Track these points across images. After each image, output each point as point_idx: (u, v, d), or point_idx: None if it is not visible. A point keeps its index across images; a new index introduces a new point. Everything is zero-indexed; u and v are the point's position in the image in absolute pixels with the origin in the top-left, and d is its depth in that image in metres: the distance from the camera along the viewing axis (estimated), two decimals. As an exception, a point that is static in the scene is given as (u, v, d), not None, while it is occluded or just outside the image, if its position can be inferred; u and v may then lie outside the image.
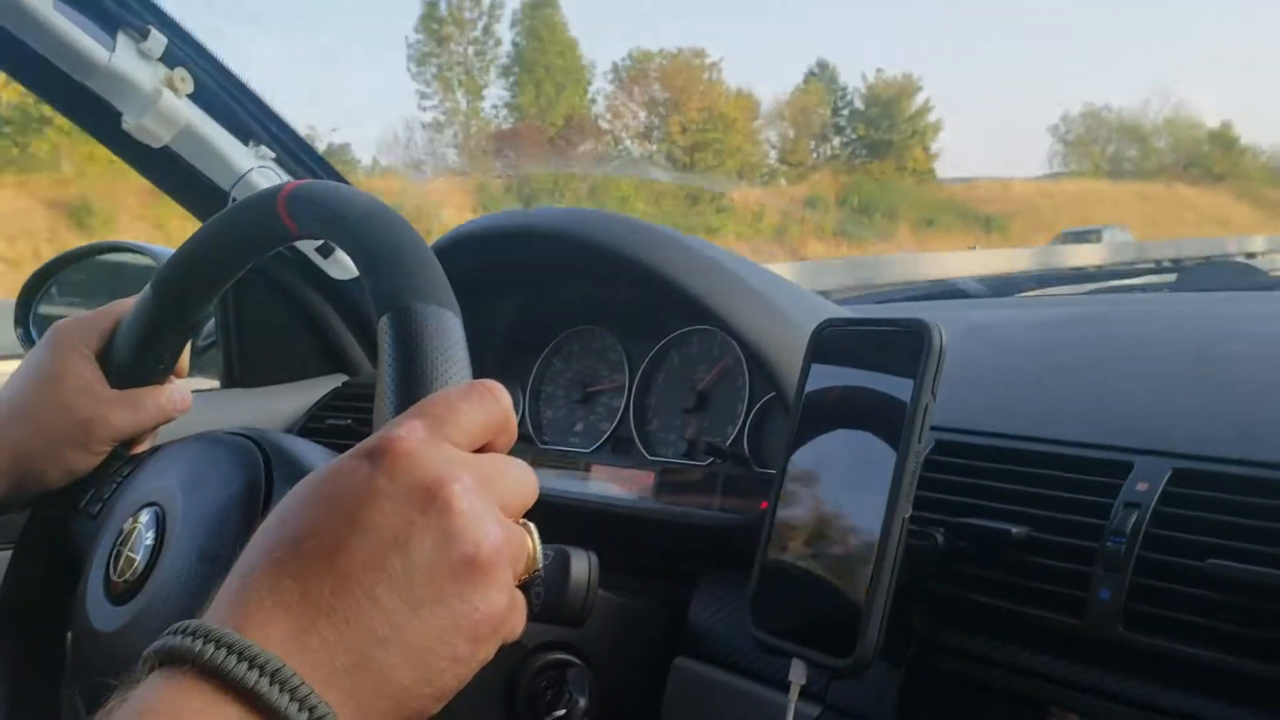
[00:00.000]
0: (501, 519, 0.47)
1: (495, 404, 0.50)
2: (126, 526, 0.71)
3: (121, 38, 1.04)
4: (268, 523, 0.45)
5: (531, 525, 0.50)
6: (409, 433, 0.46)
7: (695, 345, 1.00)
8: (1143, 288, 1.41)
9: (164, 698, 0.40)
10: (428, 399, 0.49)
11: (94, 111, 1.09)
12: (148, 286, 0.78)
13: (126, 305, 0.81)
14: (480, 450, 0.50)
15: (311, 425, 1.31)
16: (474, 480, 0.46)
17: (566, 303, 1.10)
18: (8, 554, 0.86)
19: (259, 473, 0.69)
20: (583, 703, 0.73)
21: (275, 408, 1.36)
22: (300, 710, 0.39)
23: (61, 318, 1.29)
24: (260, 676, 0.39)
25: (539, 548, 0.51)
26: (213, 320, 1.45)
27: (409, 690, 0.43)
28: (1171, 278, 1.33)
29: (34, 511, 0.83)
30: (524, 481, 0.50)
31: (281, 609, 0.42)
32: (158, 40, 1.06)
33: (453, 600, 0.44)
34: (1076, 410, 0.74)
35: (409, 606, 0.43)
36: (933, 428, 0.71)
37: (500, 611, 0.45)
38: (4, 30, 1.00)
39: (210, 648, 0.40)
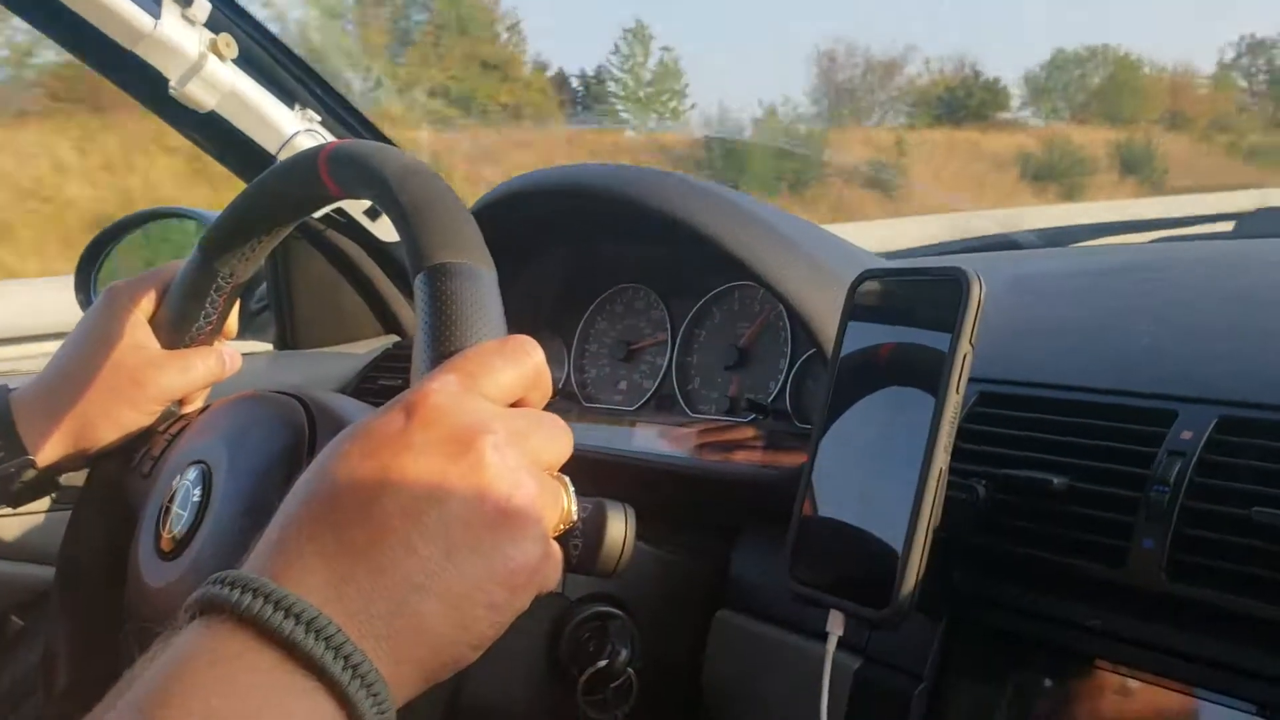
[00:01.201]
0: (535, 471, 0.47)
1: (528, 359, 0.50)
2: (175, 484, 0.73)
3: (167, 4, 1.05)
4: (306, 475, 0.46)
5: (566, 479, 0.51)
6: (442, 386, 0.47)
7: (737, 302, 1.00)
8: (1200, 236, 1.38)
9: (203, 645, 0.40)
10: (461, 354, 0.50)
11: (141, 78, 1.11)
12: (195, 248, 0.79)
13: (176, 267, 0.82)
14: (515, 405, 0.50)
15: (364, 386, 1.33)
16: (507, 433, 0.46)
17: (610, 261, 1.10)
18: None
19: (302, 429, 0.70)
20: (624, 654, 0.73)
21: (327, 369, 1.38)
22: (336, 658, 0.40)
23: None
24: (296, 625, 0.40)
25: (574, 501, 0.51)
26: (265, 284, 1.47)
27: (445, 637, 0.43)
28: (1230, 226, 1.29)
29: (91, 470, 0.85)
30: (558, 437, 0.50)
31: (319, 558, 0.42)
32: (202, 6, 1.07)
33: (488, 549, 0.44)
34: (1121, 359, 0.72)
35: (444, 554, 0.43)
36: (975, 379, 0.70)
37: (535, 561, 0.46)
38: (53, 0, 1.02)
39: (248, 597, 0.40)
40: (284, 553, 0.43)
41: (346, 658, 0.40)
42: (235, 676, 0.39)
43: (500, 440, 0.46)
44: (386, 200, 0.62)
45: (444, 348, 0.53)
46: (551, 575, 0.48)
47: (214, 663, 0.40)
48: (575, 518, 0.51)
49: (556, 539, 0.51)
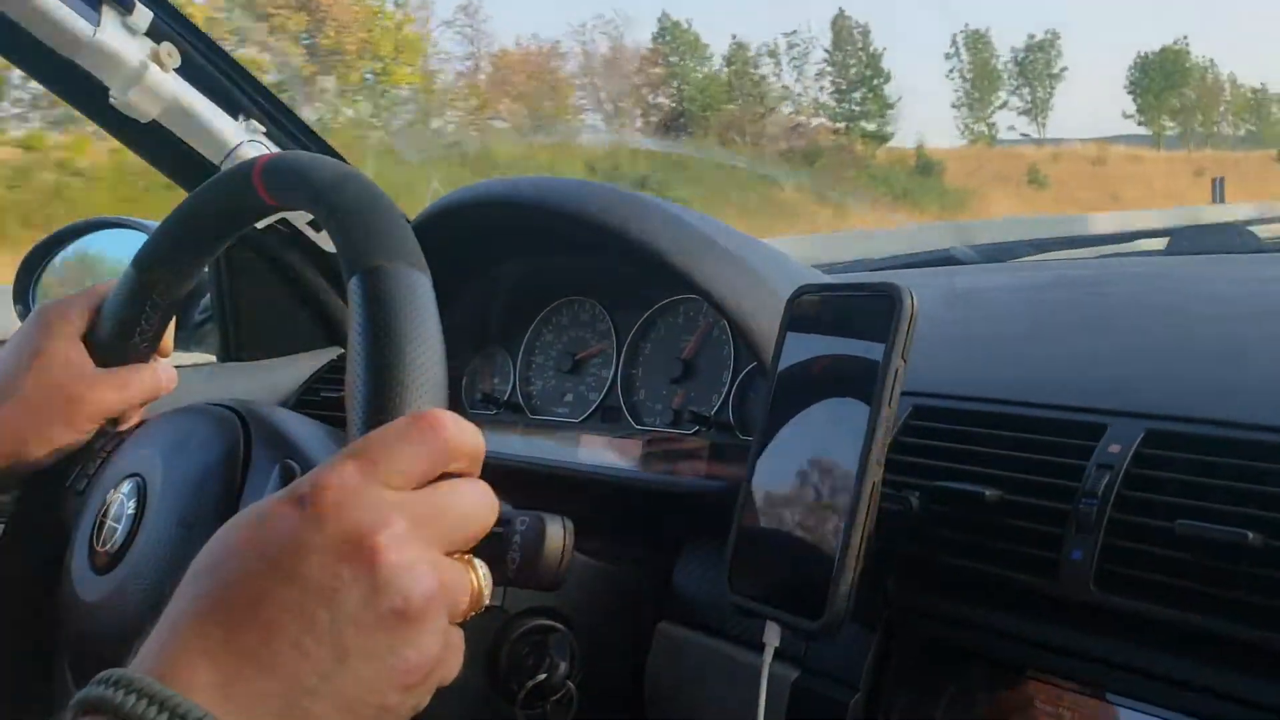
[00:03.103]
0: (439, 561, 0.46)
1: (436, 438, 0.48)
2: (109, 498, 0.72)
3: (106, 12, 1.03)
4: (198, 566, 0.45)
5: (475, 560, 0.49)
6: (339, 479, 0.45)
7: (681, 315, 1.00)
8: (1136, 252, 1.40)
9: None
10: (364, 440, 0.48)
11: (81, 87, 1.09)
12: (130, 264, 0.78)
13: (111, 285, 0.81)
14: (439, 479, 0.48)
15: (306, 398, 1.32)
16: (408, 524, 0.45)
17: (556, 273, 1.09)
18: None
19: (237, 440, 0.69)
20: (563, 666, 0.73)
21: (271, 381, 1.36)
22: None
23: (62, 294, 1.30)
24: None
25: (487, 582, 0.49)
26: (208, 295, 1.45)
27: None
28: (1164, 242, 1.32)
29: (24, 490, 0.84)
30: (473, 510, 0.49)
31: (206, 657, 0.41)
32: (143, 14, 1.06)
33: (381, 652, 0.43)
34: (1054, 373, 0.73)
35: (336, 657, 0.42)
36: (911, 392, 0.71)
37: (432, 658, 0.45)
38: (-12, 6, 1.00)
39: (131, 698, 0.39)
40: (171, 652, 0.42)
41: None
42: None
43: (399, 534, 0.44)
44: (320, 207, 0.62)
45: (381, 356, 0.53)
46: (453, 667, 0.47)
47: None
48: (488, 600, 0.50)
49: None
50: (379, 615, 0.43)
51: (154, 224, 1.33)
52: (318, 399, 1.28)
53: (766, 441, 0.67)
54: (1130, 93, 49.45)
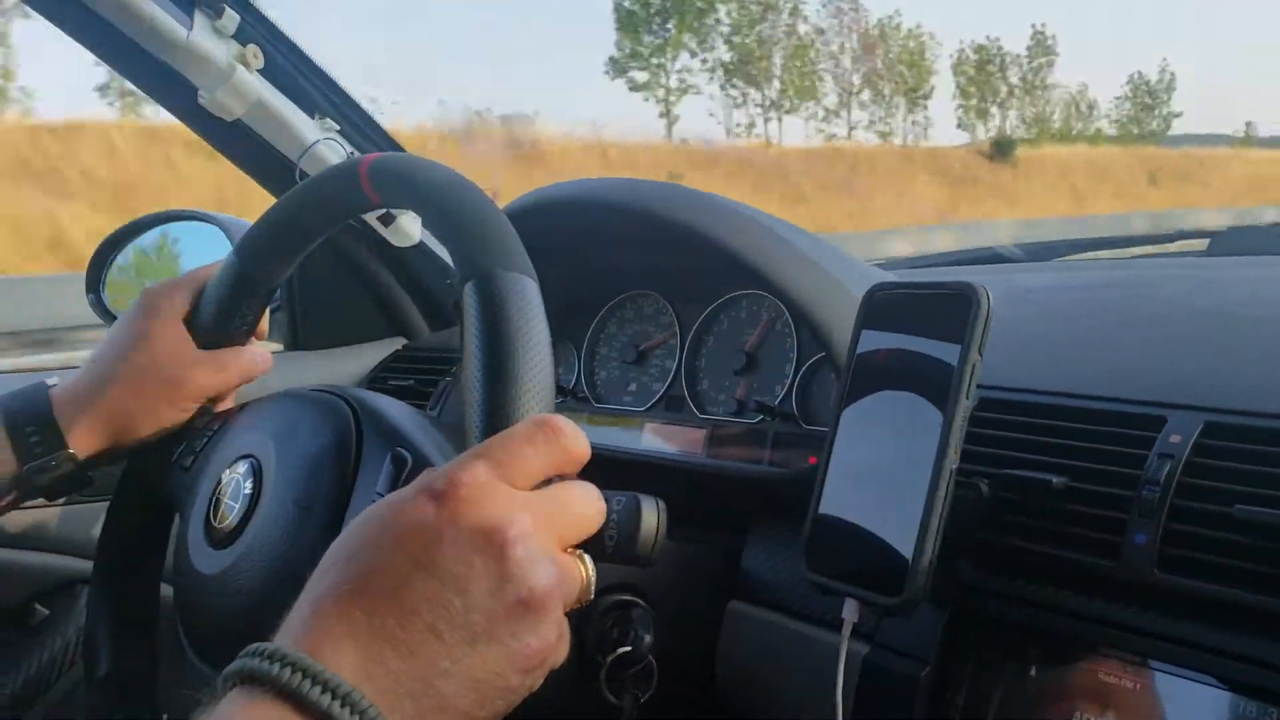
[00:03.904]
0: (557, 556, 0.50)
1: (557, 442, 0.52)
2: (224, 477, 0.76)
3: (199, 15, 1.08)
4: (336, 554, 0.48)
5: (585, 556, 0.53)
6: (472, 478, 0.49)
7: (744, 309, 1.03)
8: (1177, 253, 1.43)
9: (241, 715, 0.43)
10: (493, 440, 0.52)
11: (172, 87, 1.14)
12: (231, 252, 0.83)
13: (210, 271, 0.85)
14: (550, 479, 0.52)
15: (373, 386, 1.36)
16: (532, 521, 0.49)
17: (620, 268, 1.13)
18: (99, 506, 0.91)
19: (348, 426, 0.73)
20: (647, 638, 0.77)
21: (337, 369, 1.41)
22: None
23: (132, 283, 1.35)
24: (333, 700, 0.42)
25: (592, 577, 0.53)
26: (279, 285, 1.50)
27: (466, 715, 0.46)
28: (1204, 243, 1.35)
29: (129, 464, 0.88)
30: (585, 510, 0.53)
31: (350, 638, 0.45)
32: (231, 18, 1.10)
33: (506, 637, 0.47)
34: (1113, 368, 0.77)
35: (467, 641, 0.46)
36: (979, 385, 0.74)
37: (549, 645, 0.49)
38: (89, 9, 1.05)
39: (286, 671, 0.43)
40: (318, 631, 0.45)
41: None
42: None
43: (524, 530, 0.48)
44: (432, 211, 0.66)
45: (495, 358, 0.56)
46: (562, 654, 0.51)
47: None
48: (593, 594, 0.53)
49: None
50: (506, 604, 0.47)
51: (223, 216, 1.38)
52: (386, 387, 1.32)
53: (841, 430, 0.71)
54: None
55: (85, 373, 0.82)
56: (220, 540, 0.74)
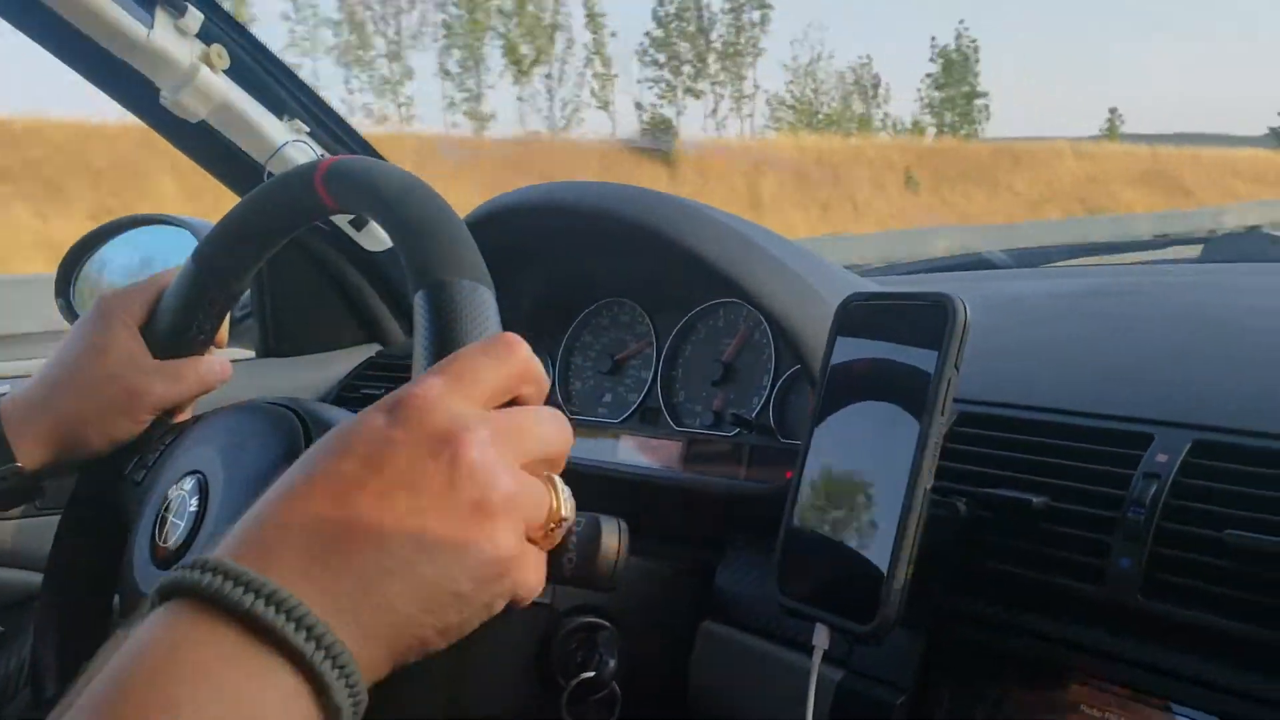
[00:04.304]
0: (518, 471, 0.47)
1: (514, 356, 0.50)
2: (171, 494, 0.73)
3: (160, 14, 1.05)
4: (285, 473, 0.47)
5: (558, 480, 0.51)
6: (426, 389, 0.47)
7: (721, 318, 1.01)
8: (1170, 260, 1.40)
9: (162, 631, 0.41)
10: (447, 358, 0.50)
11: (133, 88, 1.11)
12: (189, 258, 0.80)
13: (168, 278, 0.82)
14: (511, 404, 0.51)
15: (346, 394, 1.33)
16: (491, 433, 0.47)
17: (594, 276, 1.11)
18: (56, 519, 0.88)
19: (298, 440, 0.70)
20: (612, 663, 0.74)
21: (310, 377, 1.38)
22: (298, 629, 0.40)
23: (100, 288, 1.32)
24: (256, 599, 0.40)
25: (565, 502, 0.51)
26: (249, 291, 1.47)
27: (411, 619, 0.44)
28: (1198, 250, 1.32)
29: (80, 477, 0.85)
30: (552, 435, 0.50)
31: (287, 542, 0.43)
32: (194, 16, 1.08)
33: (459, 541, 0.45)
34: (1098, 382, 0.74)
35: (415, 542, 0.44)
36: (956, 399, 0.72)
37: (505, 556, 0.46)
38: (47, 9, 1.02)
39: (208, 576, 0.41)
40: (251, 537, 0.44)
41: (309, 629, 0.40)
42: (195, 659, 0.40)
43: (482, 438, 0.46)
44: (385, 216, 0.63)
45: (440, 353, 0.54)
46: (529, 577, 0.49)
47: (174, 647, 0.40)
48: (567, 515, 0.51)
49: (550, 552, 0.52)
50: (457, 505, 0.45)
51: (195, 220, 1.35)
52: (358, 395, 1.30)
53: (814, 445, 0.68)
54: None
55: (36, 382, 0.80)
56: (165, 560, 0.71)
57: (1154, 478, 0.62)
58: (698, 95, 40.09)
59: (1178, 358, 0.75)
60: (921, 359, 0.63)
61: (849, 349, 0.69)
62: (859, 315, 0.69)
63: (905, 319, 0.66)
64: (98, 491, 0.84)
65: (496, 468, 0.46)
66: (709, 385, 0.99)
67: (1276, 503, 0.58)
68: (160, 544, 0.72)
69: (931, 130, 43.83)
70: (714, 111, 40.72)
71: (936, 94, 44.80)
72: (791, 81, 42.46)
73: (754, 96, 41.88)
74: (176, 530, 0.71)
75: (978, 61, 44.31)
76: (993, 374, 0.79)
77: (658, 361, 1.04)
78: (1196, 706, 0.59)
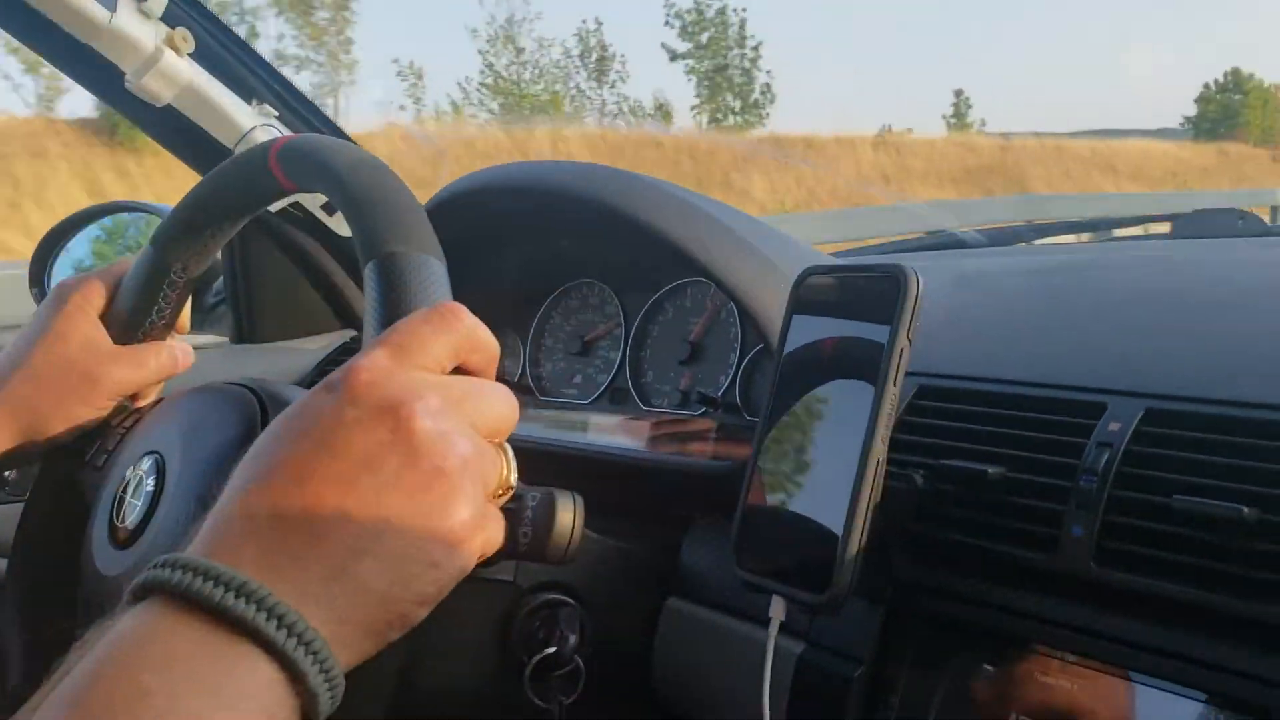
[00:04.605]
0: (471, 435, 0.48)
1: (458, 323, 0.51)
2: (129, 475, 0.73)
3: (122, -2, 1.04)
4: (243, 461, 0.47)
5: (507, 447, 0.52)
6: (370, 362, 0.47)
7: (689, 297, 1.01)
8: (1141, 237, 1.41)
9: (134, 626, 0.41)
10: (390, 329, 0.50)
11: (98, 72, 1.10)
12: (147, 243, 0.80)
13: (128, 263, 0.82)
14: (457, 372, 0.51)
15: (319, 379, 1.32)
16: (440, 400, 0.47)
17: (564, 257, 1.10)
18: (21, 507, 0.88)
19: (254, 419, 0.70)
20: (573, 640, 0.74)
21: (284, 362, 1.38)
22: (269, 619, 0.41)
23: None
24: (225, 591, 0.41)
25: (513, 470, 0.52)
26: (222, 277, 1.46)
27: (388, 595, 0.44)
28: (1168, 227, 1.32)
29: (43, 464, 0.85)
30: (500, 402, 0.51)
31: (253, 534, 0.43)
32: (158, 0, 1.07)
33: (424, 510, 0.45)
34: (1056, 354, 0.74)
35: (381, 519, 0.44)
36: (914, 373, 0.72)
37: (472, 520, 0.47)
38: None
39: (179, 573, 0.41)
40: (218, 533, 0.44)
41: (280, 618, 0.41)
42: (165, 650, 0.40)
43: (431, 405, 0.47)
44: (337, 193, 0.63)
45: (387, 323, 0.54)
46: (493, 536, 0.49)
47: (144, 640, 0.41)
48: (514, 484, 0.52)
49: (503, 509, 0.52)
50: (419, 476, 0.45)
51: (164, 206, 1.34)
52: (330, 380, 1.29)
53: (772, 422, 0.68)
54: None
55: None
56: (122, 540, 0.71)
57: (1106, 446, 0.62)
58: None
59: (1136, 329, 0.75)
60: (876, 332, 0.63)
61: (805, 324, 0.69)
62: (815, 290, 0.69)
63: (860, 292, 0.66)
64: (60, 478, 0.84)
65: (451, 433, 0.47)
66: (676, 365, 0.99)
67: (1227, 469, 0.58)
68: (118, 524, 0.72)
69: (697, 117, 32.37)
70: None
71: (698, 70, 32.04)
72: (489, 51, 30.13)
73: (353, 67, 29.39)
74: (134, 510, 0.71)
75: (745, 34, 32.16)
76: (955, 349, 0.79)
77: (626, 342, 1.04)
78: (1155, 674, 0.59)
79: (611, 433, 0.99)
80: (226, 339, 1.45)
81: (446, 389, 0.48)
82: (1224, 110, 38.55)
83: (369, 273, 0.57)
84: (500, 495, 0.51)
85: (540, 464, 0.53)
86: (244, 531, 0.44)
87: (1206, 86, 39.21)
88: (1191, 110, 40.16)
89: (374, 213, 0.59)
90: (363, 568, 0.44)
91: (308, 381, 1.33)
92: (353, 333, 1.46)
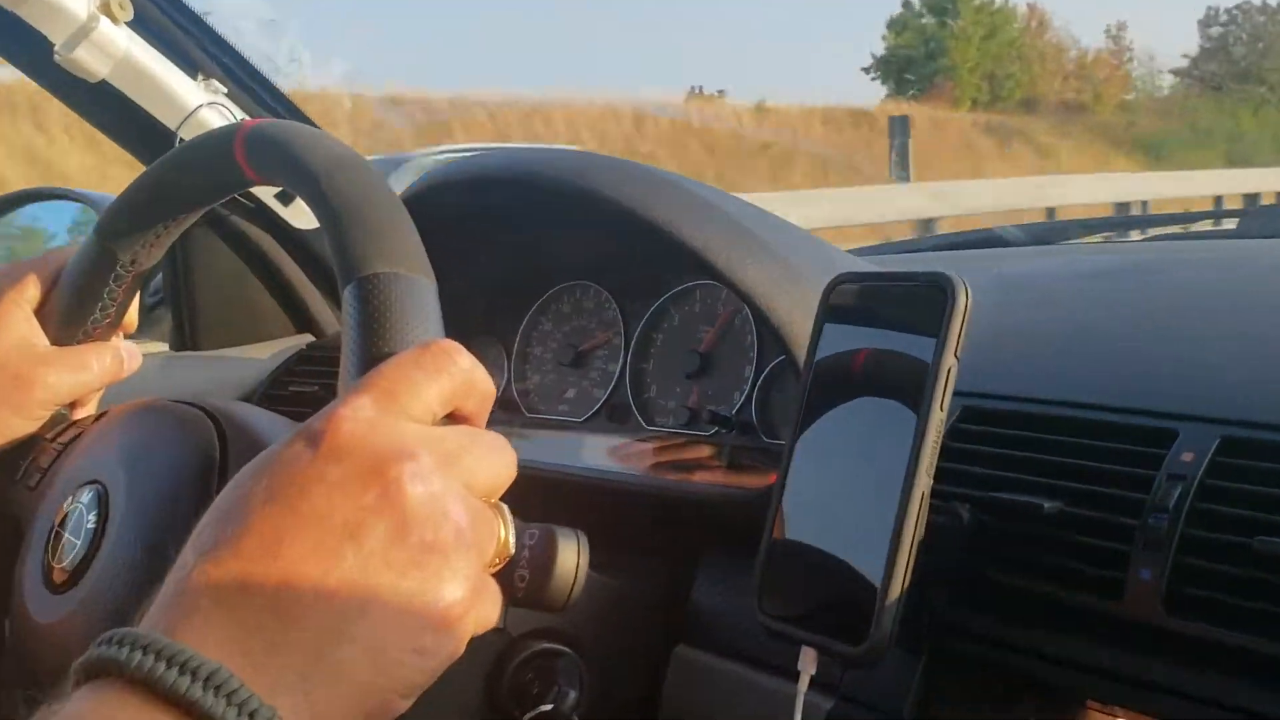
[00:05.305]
0: (466, 498, 0.48)
1: (454, 365, 0.50)
2: (66, 506, 0.73)
3: (52, -41, 1.04)
4: (205, 519, 0.46)
5: (504, 508, 0.51)
6: (354, 410, 0.47)
7: (698, 303, 1.01)
8: (1203, 234, 1.42)
9: (89, 712, 0.40)
10: (375, 370, 0.50)
11: (23, 43, 1.10)
12: (91, 232, 0.79)
13: (67, 254, 0.81)
14: (450, 419, 0.51)
15: (273, 393, 1.33)
16: (432, 457, 0.47)
17: (554, 256, 1.11)
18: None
19: (211, 447, 0.70)
20: (573, 695, 0.74)
21: (232, 373, 1.38)
22: (240, 715, 0.40)
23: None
24: (193, 682, 0.40)
25: (512, 533, 0.52)
26: (160, 275, 1.46)
27: (370, 686, 0.44)
28: (1234, 223, 1.33)
29: None
30: (497, 457, 0.50)
31: (221, 610, 0.42)
32: (93, -39, 1.07)
33: (413, 589, 0.45)
34: (1117, 372, 0.75)
35: (364, 599, 0.44)
36: (958, 393, 0.72)
37: (466, 599, 0.46)
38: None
39: (138, 655, 0.40)
40: (180, 606, 0.43)
41: (252, 714, 0.40)
42: None
43: (423, 466, 0.46)
44: (312, 193, 0.62)
45: (371, 359, 0.54)
46: (488, 613, 0.49)
47: None
48: (513, 550, 0.52)
49: (497, 573, 0.52)
50: (408, 550, 0.45)
51: (99, 195, 1.34)
52: (286, 394, 1.29)
53: (800, 445, 0.69)
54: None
55: None
56: (59, 583, 0.70)
57: (1178, 479, 0.63)
58: None
59: (1206, 344, 0.76)
60: (918, 347, 0.64)
61: (837, 337, 0.69)
62: (849, 298, 0.69)
63: (900, 302, 0.66)
64: None
65: (445, 498, 0.46)
66: (684, 379, 0.99)
67: (1314, 506, 0.58)
68: (54, 564, 0.71)
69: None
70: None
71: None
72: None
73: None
74: (72, 550, 0.70)
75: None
76: (1001, 364, 0.79)
77: (626, 352, 1.04)
78: (1225, 734, 0.59)
79: (611, 455, 0.99)
80: (166, 346, 1.44)
81: (440, 444, 0.48)
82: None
83: (350, 296, 0.56)
84: (497, 564, 0.51)
85: (528, 491, 0.53)
86: (210, 607, 0.43)
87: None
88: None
89: (357, 223, 0.58)
90: (342, 655, 0.43)
91: (259, 395, 1.33)
92: (309, 338, 1.46)
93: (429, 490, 0.46)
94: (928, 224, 9.85)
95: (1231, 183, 14.15)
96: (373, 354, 0.53)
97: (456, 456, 0.48)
